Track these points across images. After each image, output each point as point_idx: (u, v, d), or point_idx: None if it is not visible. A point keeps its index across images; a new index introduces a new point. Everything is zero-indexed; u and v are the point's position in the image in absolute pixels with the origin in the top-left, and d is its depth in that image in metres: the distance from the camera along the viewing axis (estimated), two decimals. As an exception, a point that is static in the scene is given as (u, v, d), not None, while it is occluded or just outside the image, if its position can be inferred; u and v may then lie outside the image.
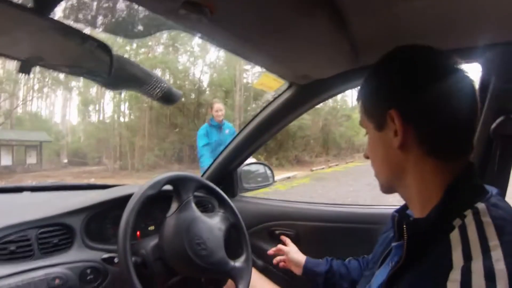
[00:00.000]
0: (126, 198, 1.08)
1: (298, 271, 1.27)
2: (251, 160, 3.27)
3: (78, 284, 1.07)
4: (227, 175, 1.75)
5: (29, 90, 21.14)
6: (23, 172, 16.20)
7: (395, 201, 0.89)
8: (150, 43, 18.74)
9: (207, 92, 19.19)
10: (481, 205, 0.58)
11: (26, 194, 1.46)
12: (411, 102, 0.64)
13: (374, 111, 0.71)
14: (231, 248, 1.27)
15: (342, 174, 14.05)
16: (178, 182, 1.16)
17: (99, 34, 0.93)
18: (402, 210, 0.79)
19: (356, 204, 1.75)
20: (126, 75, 0.90)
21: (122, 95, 18.04)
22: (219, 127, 4.78)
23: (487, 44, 1.04)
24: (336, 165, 18.65)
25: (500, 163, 1.13)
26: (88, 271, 1.10)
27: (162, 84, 0.99)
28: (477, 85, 1.08)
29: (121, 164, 18.05)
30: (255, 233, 1.65)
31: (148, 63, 17.03)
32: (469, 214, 0.57)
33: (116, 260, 1.09)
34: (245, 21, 0.85)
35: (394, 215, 0.74)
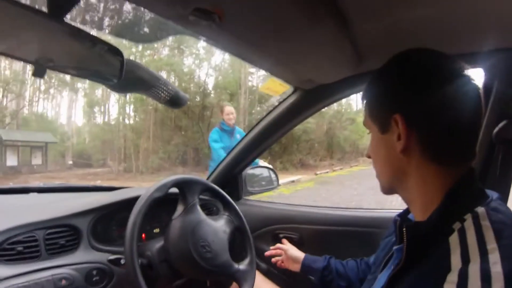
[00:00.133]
0: (132, 201, 1.09)
1: (296, 267, 1.29)
2: (262, 163, 3.26)
3: (84, 285, 1.08)
4: (232, 179, 1.76)
5: (36, 91, 21.39)
6: (29, 173, 16.26)
7: (398, 205, 0.89)
8: (155, 45, 18.84)
9: (212, 95, 19.21)
10: (480, 209, 0.58)
11: (33, 195, 1.48)
12: (416, 108, 0.64)
13: (378, 114, 0.71)
14: (236, 251, 1.28)
15: (346, 178, 14.01)
16: (184, 185, 1.17)
17: (109, 38, 0.94)
18: (404, 214, 0.79)
19: (360, 208, 1.76)
20: (135, 78, 0.92)
21: (128, 97, 18.11)
22: (231, 132, 4.45)
23: (489, 49, 1.04)
24: (341, 168, 18.61)
25: (502, 167, 1.14)
26: (94, 272, 1.11)
27: (170, 88, 1.00)
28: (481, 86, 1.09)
29: (126, 166, 18.08)
30: (259, 236, 1.66)
31: (154, 65, 17.10)
32: (468, 218, 0.58)
33: (122, 261, 1.10)
34: (252, 27, 0.86)
35: (396, 219, 0.75)
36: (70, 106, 24.77)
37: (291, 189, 11.03)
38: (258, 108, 19.64)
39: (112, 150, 18.93)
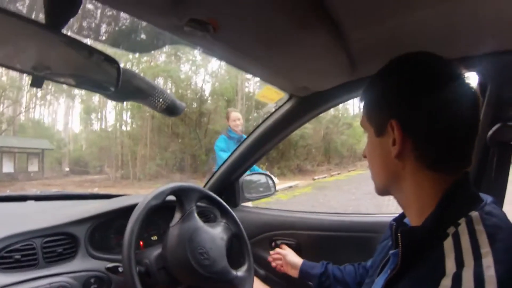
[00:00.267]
0: (130, 208, 1.09)
1: (294, 273, 1.30)
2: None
3: None
4: (229, 185, 1.76)
5: (32, 97, 21.29)
6: (25, 180, 16.16)
7: (394, 209, 0.90)
8: (152, 52, 18.85)
9: (209, 101, 19.22)
10: (474, 214, 0.59)
11: (30, 203, 1.47)
12: (412, 114, 0.64)
13: (375, 117, 0.72)
14: (233, 258, 1.28)
15: (344, 183, 14.00)
16: (181, 193, 1.17)
17: (106, 48, 0.95)
18: (400, 218, 0.80)
19: (357, 213, 1.76)
20: (131, 87, 0.93)
21: (125, 103, 18.05)
22: (238, 139, 3.94)
23: (483, 53, 1.05)
24: (338, 173, 18.59)
25: (497, 170, 1.15)
26: (92, 280, 1.11)
27: (166, 96, 1.01)
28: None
29: (123, 173, 18.01)
30: (257, 242, 1.66)
31: (151, 71, 17.12)
32: (462, 222, 0.58)
33: (120, 269, 1.10)
34: (247, 37, 0.88)
35: (392, 224, 0.75)
36: (67, 112, 24.69)
37: (289, 194, 11.02)
38: (255, 114, 19.66)
39: (109, 157, 18.85)
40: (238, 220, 1.33)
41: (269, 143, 1.61)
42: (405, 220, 0.79)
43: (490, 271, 0.50)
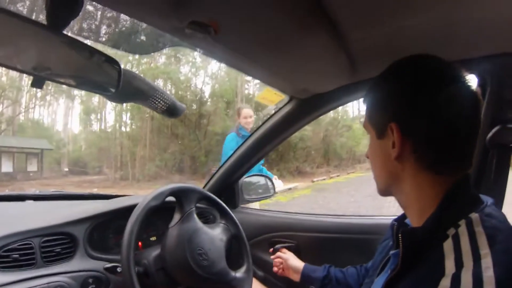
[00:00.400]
0: (129, 209, 1.10)
1: (296, 277, 1.29)
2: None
3: None
4: (228, 187, 1.76)
5: (32, 97, 21.30)
6: (24, 180, 16.16)
7: (394, 211, 0.90)
8: (152, 53, 18.85)
9: (209, 103, 19.22)
10: (474, 215, 0.59)
11: (29, 202, 1.47)
12: (410, 118, 0.65)
13: (376, 119, 0.73)
14: (232, 259, 1.28)
15: (343, 185, 14.02)
16: (181, 194, 1.18)
17: (107, 49, 0.96)
18: (401, 218, 0.81)
19: (357, 215, 1.77)
20: (132, 88, 0.93)
21: (124, 104, 18.06)
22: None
23: (482, 55, 1.06)
24: (337, 175, 18.62)
25: (496, 172, 1.15)
26: (90, 280, 1.11)
27: (166, 98, 1.02)
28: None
29: (122, 174, 17.99)
30: (256, 244, 1.66)
31: (150, 73, 17.12)
32: (462, 224, 0.59)
33: (119, 269, 1.10)
34: (247, 39, 0.88)
35: (393, 224, 0.76)
36: (67, 113, 24.70)
37: (288, 196, 11.02)
38: (255, 116, 19.62)
39: (109, 157, 18.84)
40: (237, 221, 1.34)
41: (269, 145, 1.61)
42: (406, 220, 0.79)
43: (489, 272, 0.51)
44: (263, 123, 1.57)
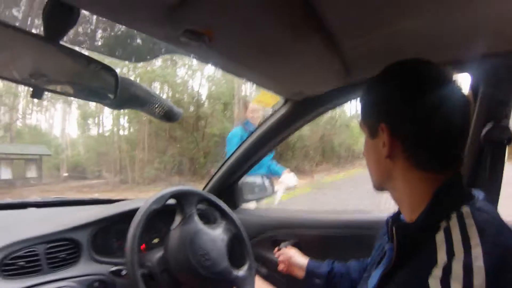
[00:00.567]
0: (131, 213, 1.12)
1: (301, 273, 1.31)
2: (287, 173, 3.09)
3: None
4: (228, 188, 1.78)
5: (29, 103, 21.15)
6: (23, 187, 16.02)
7: (392, 207, 0.92)
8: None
9: (206, 105, 19.17)
10: (465, 209, 0.62)
11: (31, 210, 1.48)
12: (402, 119, 0.68)
13: (368, 120, 0.76)
14: (234, 258, 1.30)
15: (342, 182, 14.01)
16: (181, 196, 1.20)
17: (104, 58, 0.98)
18: (396, 215, 0.83)
19: (356, 211, 1.79)
20: (129, 95, 0.95)
21: (121, 108, 17.95)
22: None
23: (475, 55, 1.07)
24: (337, 173, 18.60)
25: (491, 169, 1.17)
26: (96, 284, 1.13)
27: (164, 103, 1.04)
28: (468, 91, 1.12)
29: (122, 178, 17.92)
30: (259, 242, 1.68)
31: (147, 76, 17.04)
32: (454, 217, 0.61)
33: (123, 272, 1.12)
34: (241, 45, 0.90)
35: (388, 220, 0.79)
36: (64, 118, 24.60)
37: (289, 194, 10.99)
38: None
39: (108, 161, 18.77)
40: (237, 221, 1.36)
41: (267, 146, 1.63)
42: (401, 216, 0.82)
43: (479, 262, 0.53)
44: (260, 124, 1.59)
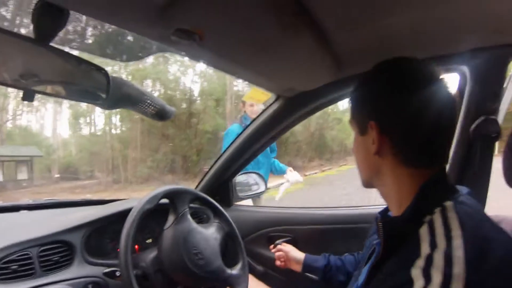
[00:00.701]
0: (124, 213, 1.11)
1: (298, 268, 1.34)
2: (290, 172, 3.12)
3: None
4: (221, 186, 1.78)
5: (19, 104, 20.87)
6: (14, 189, 15.87)
7: (383, 201, 0.94)
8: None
9: (198, 101, 19.11)
10: (448, 203, 0.63)
11: (23, 212, 1.46)
12: (390, 117, 0.70)
13: (358, 117, 0.78)
14: (228, 257, 1.31)
15: (335, 178, 14.12)
16: (174, 196, 1.20)
17: (94, 58, 0.97)
18: (385, 211, 0.85)
19: (349, 206, 1.81)
20: (121, 95, 0.94)
21: (113, 108, 17.81)
22: None
23: (462, 50, 1.10)
24: (329, 169, 18.72)
25: (480, 163, 1.19)
26: (90, 286, 1.12)
27: (156, 102, 1.03)
28: (455, 89, 1.14)
29: (114, 177, 17.81)
30: (254, 240, 1.69)
31: (139, 74, 16.96)
32: (438, 211, 0.63)
33: (117, 273, 1.11)
34: (232, 43, 0.90)
35: (377, 216, 0.80)
36: (55, 118, 24.32)
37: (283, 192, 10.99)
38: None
39: (100, 161, 18.63)
40: (230, 219, 1.36)
41: (259, 142, 1.63)
42: (389, 213, 0.83)
43: (459, 252, 0.55)
44: (252, 121, 1.59)
